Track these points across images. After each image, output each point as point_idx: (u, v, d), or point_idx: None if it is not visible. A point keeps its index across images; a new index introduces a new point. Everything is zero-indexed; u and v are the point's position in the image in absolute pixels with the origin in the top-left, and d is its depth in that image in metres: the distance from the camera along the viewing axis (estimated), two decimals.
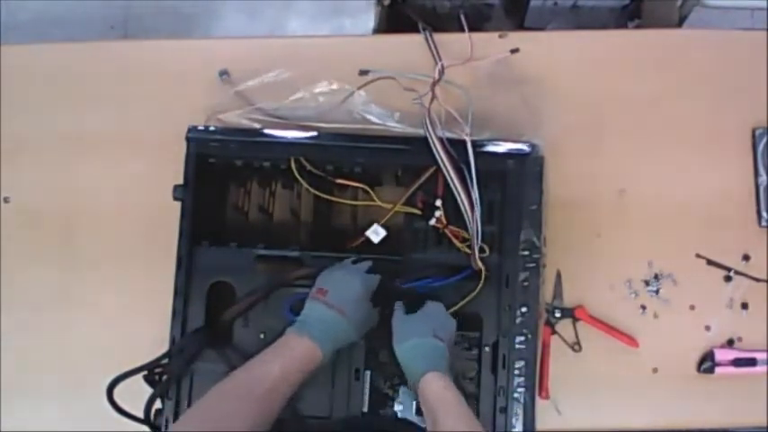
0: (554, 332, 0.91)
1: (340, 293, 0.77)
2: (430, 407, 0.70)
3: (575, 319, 0.91)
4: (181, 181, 0.85)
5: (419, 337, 0.75)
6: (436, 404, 0.70)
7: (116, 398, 0.74)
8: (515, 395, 0.81)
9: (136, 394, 0.76)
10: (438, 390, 0.71)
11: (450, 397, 0.71)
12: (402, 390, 0.81)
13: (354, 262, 0.82)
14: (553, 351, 0.91)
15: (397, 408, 0.81)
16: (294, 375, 0.71)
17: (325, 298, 0.76)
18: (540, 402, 0.88)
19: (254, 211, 0.93)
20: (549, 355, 0.90)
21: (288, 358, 0.72)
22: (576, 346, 0.91)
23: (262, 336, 0.84)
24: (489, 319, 0.83)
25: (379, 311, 0.81)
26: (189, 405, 0.81)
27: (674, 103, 0.97)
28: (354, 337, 0.77)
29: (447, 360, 0.75)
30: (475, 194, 0.82)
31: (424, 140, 0.83)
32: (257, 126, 0.94)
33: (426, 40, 0.97)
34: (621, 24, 1.49)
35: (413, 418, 0.79)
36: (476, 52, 0.96)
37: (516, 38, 0.98)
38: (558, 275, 0.92)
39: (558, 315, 0.91)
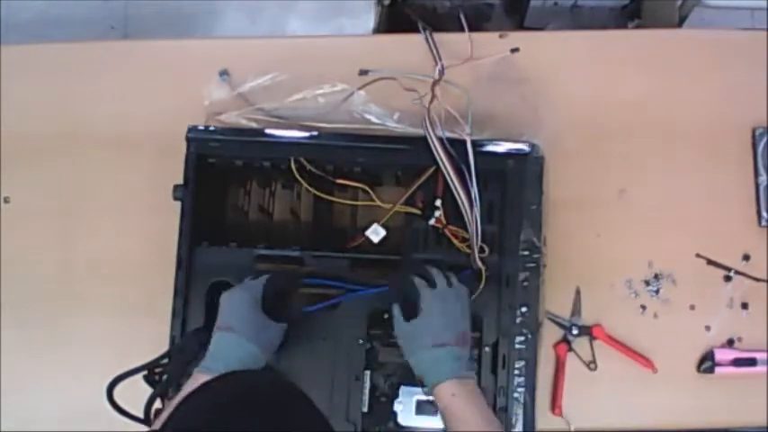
0: (570, 349, 0.91)
1: (226, 312, 0.75)
2: (444, 418, 0.70)
3: (592, 338, 0.91)
4: (181, 181, 0.85)
5: (422, 350, 0.73)
6: (446, 415, 0.69)
7: (116, 398, 0.74)
8: (515, 395, 0.81)
9: (136, 394, 0.76)
10: (446, 401, 0.69)
11: (457, 407, 0.69)
12: (402, 389, 0.81)
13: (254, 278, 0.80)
14: (568, 369, 0.91)
15: (397, 408, 0.80)
16: None
17: (217, 325, 0.75)
18: (552, 418, 0.89)
19: (254, 211, 0.93)
20: (563, 372, 0.90)
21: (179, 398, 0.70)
22: (591, 365, 0.91)
23: None
24: (489, 319, 0.83)
25: (286, 327, 0.78)
26: None
27: (673, 103, 0.97)
28: (254, 350, 0.73)
29: (458, 360, 0.72)
30: (475, 194, 0.82)
31: (423, 140, 0.83)
32: (257, 126, 0.94)
33: (426, 40, 0.97)
34: (621, 24, 1.49)
35: (413, 419, 0.79)
36: (476, 52, 0.96)
37: (516, 38, 0.98)
38: (578, 292, 0.92)
39: (575, 332, 0.90)
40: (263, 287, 0.78)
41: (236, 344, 0.73)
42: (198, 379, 0.71)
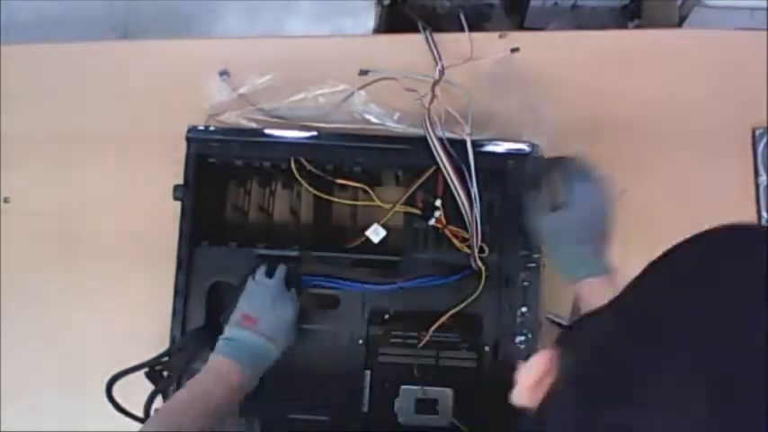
0: None
1: (271, 322, 0.76)
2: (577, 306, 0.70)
3: None
4: (181, 181, 0.85)
5: (567, 245, 0.73)
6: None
7: (117, 398, 0.74)
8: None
9: (136, 394, 0.76)
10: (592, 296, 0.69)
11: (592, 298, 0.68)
12: (402, 389, 0.81)
13: (268, 273, 0.80)
14: None
15: (397, 408, 0.80)
16: (229, 403, 0.70)
17: (255, 327, 0.75)
18: None
19: (254, 211, 0.93)
20: None
21: (227, 385, 0.70)
22: None
23: None
24: (489, 319, 0.83)
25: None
26: None
27: (673, 103, 0.96)
28: (277, 357, 0.76)
29: (601, 258, 0.72)
30: (475, 194, 0.82)
31: (423, 140, 0.83)
32: (257, 126, 0.94)
33: (426, 40, 0.97)
34: (621, 24, 1.49)
35: (413, 418, 0.79)
36: (476, 52, 0.96)
37: (516, 38, 0.98)
38: None
39: None
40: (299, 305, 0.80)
41: (273, 357, 0.75)
42: (228, 366, 0.72)
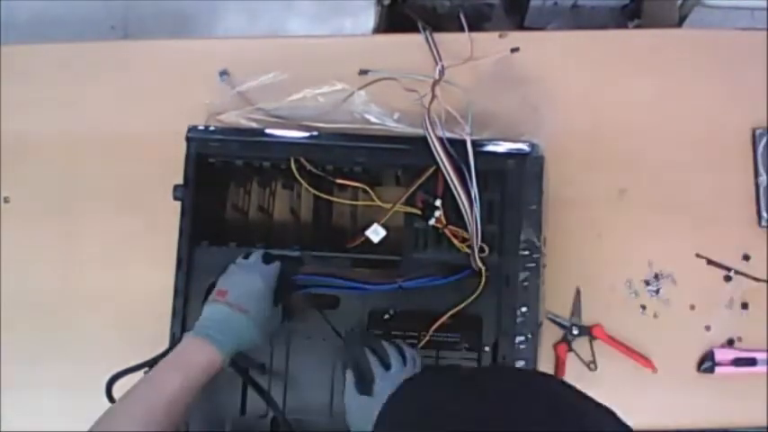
0: (570, 349, 0.91)
1: (241, 292, 0.75)
2: None
3: (592, 338, 0.91)
4: (181, 181, 0.85)
5: (364, 428, 0.68)
6: None
7: (117, 397, 0.74)
8: None
9: None
10: None
11: None
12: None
13: (246, 256, 0.81)
14: (568, 369, 0.91)
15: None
16: (195, 384, 0.68)
17: (225, 299, 0.74)
18: None
19: (254, 211, 0.93)
20: (563, 372, 0.90)
21: (187, 366, 0.69)
22: (591, 365, 0.91)
23: None
24: (489, 320, 0.83)
25: (282, 307, 0.79)
26: None
27: (674, 103, 0.97)
28: (257, 337, 0.74)
29: None
30: (475, 194, 0.82)
31: (423, 140, 0.83)
32: (257, 126, 0.94)
33: (426, 40, 0.97)
34: (621, 24, 1.49)
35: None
36: (476, 52, 0.96)
37: (516, 38, 0.98)
38: (578, 292, 0.92)
39: (575, 332, 0.91)
40: (276, 278, 0.78)
41: (246, 328, 0.73)
42: (189, 344, 0.71)
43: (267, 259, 0.81)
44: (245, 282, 0.76)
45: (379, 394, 0.71)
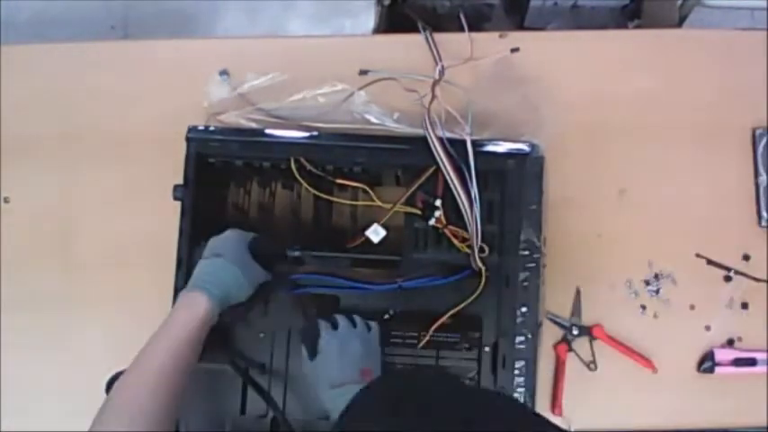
0: (570, 349, 0.91)
1: (216, 245, 0.79)
2: None
3: (592, 338, 0.91)
4: (181, 181, 0.85)
5: (322, 391, 0.73)
6: None
7: None
8: (515, 395, 0.80)
9: None
10: None
11: None
12: None
13: None
14: (568, 369, 0.91)
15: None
16: (186, 332, 0.71)
17: (204, 255, 0.79)
18: (552, 418, 0.89)
19: (254, 211, 0.93)
20: (563, 372, 0.90)
21: (174, 320, 0.72)
22: (591, 365, 0.91)
23: (261, 335, 0.84)
24: (489, 320, 0.83)
25: (268, 277, 0.81)
26: (187, 402, 0.81)
27: (674, 103, 0.97)
28: (243, 280, 0.76)
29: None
30: (475, 194, 0.82)
31: (423, 140, 0.83)
32: (257, 126, 0.94)
33: (426, 40, 0.97)
34: (621, 24, 1.49)
35: None
36: (476, 52, 0.96)
37: (516, 38, 0.98)
38: (578, 292, 0.92)
39: (575, 332, 0.91)
40: (252, 237, 0.81)
41: (225, 269, 0.76)
42: (188, 298, 0.74)
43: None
44: (219, 237, 0.81)
45: (324, 350, 0.75)
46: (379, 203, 0.87)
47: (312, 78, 0.95)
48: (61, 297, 0.96)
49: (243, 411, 0.83)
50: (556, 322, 0.92)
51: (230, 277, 0.76)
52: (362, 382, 0.72)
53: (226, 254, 0.77)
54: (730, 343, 0.91)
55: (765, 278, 0.92)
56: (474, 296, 0.82)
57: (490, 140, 0.86)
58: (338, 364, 0.74)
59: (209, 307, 0.73)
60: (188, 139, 0.86)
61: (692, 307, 0.92)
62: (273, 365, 0.84)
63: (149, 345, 0.71)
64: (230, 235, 0.81)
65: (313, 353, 0.76)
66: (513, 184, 0.84)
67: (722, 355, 0.90)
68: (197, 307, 0.72)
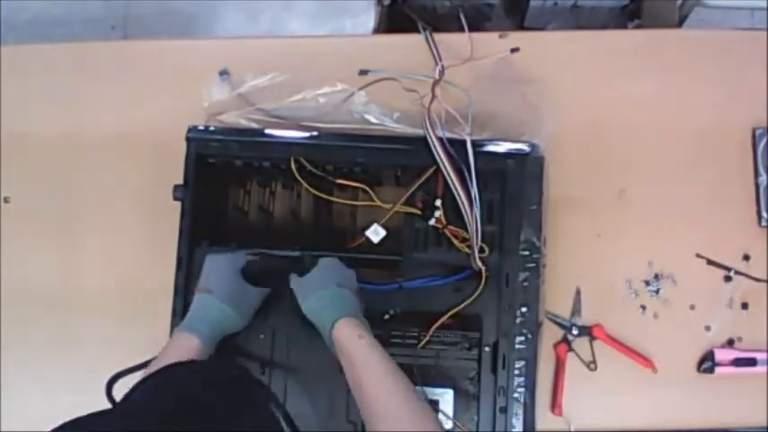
0: (570, 350, 0.91)
1: (207, 277, 0.78)
2: (346, 356, 0.69)
3: (592, 338, 0.91)
4: (181, 181, 0.85)
5: (323, 288, 0.75)
6: (352, 352, 0.69)
7: (117, 397, 0.74)
8: (515, 395, 0.80)
9: None
10: (352, 337, 0.70)
11: (367, 346, 0.69)
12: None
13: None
14: (568, 369, 0.91)
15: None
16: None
17: (198, 285, 0.78)
18: (552, 418, 0.89)
19: (254, 211, 0.93)
20: (563, 372, 0.90)
21: (165, 359, 0.70)
22: (591, 365, 0.91)
23: (261, 336, 0.84)
24: (489, 319, 0.83)
25: (268, 292, 0.81)
26: None
27: (673, 103, 0.97)
28: (234, 316, 0.76)
29: (357, 307, 0.75)
30: (475, 194, 0.82)
31: (423, 140, 0.83)
32: (257, 126, 0.94)
33: (426, 40, 0.97)
34: (621, 24, 1.49)
35: None
36: (476, 52, 0.96)
37: (516, 38, 0.98)
38: (578, 292, 0.92)
39: (575, 332, 0.91)
40: (246, 260, 0.80)
41: (215, 307, 0.76)
42: (179, 339, 0.74)
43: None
44: (210, 267, 0.79)
45: (318, 267, 0.78)
46: (379, 203, 0.87)
47: (312, 78, 0.95)
48: (61, 296, 0.96)
49: None
50: (556, 322, 0.92)
51: (221, 316, 0.76)
52: (349, 294, 0.75)
53: (217, 289, 0.76)
54: (730, 343, 0.91)
55: (765, 278, 0.92)
56: (474, 296, 0.82)
57: (490, 140, 0.86)
58: (332, 272, 0.77)
59: (202, 348, 0.73)
60: (188, 139, 0.86)
61: (692, 307, 0.92)
62: (274, 364, 0.84)
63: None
64: (222, 264, 0.79)
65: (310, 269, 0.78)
66: (513, 184, 0.84)
67: (722, 355, 0.90)
68: (189, 351, 0.72)
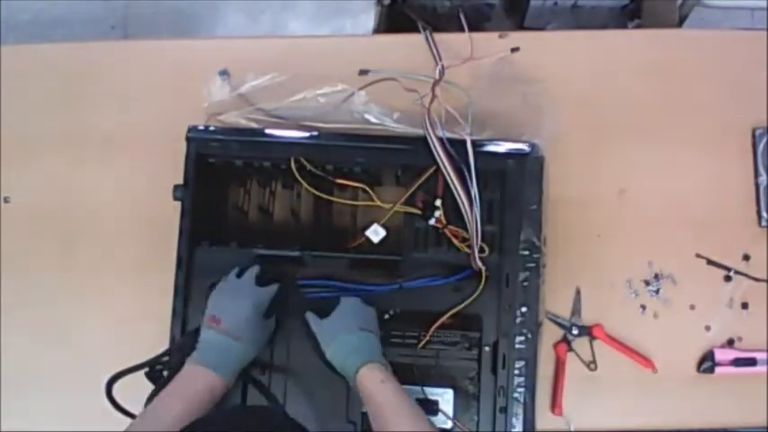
0: (570, 349, 0.91)
1: (232, 319, 0.76)
2: (371, 403, 0.70)
3: (592, 338, 0.91)
4: (181, 181, 0.85)
5: (345, 333, 0.76)
6: (377, 400, 0.70)
7: (117, 397, 0.74)
8: (515, 395, 0.81)
9: (136, 393, 0.76)
10: (376, 384, 0.71)
11: (391, 391, 0.70)
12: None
13: (240, 273, 0.81)
14: (568, 369, 0.91)
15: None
16: (198, 410, 0.70)
17: (219, 326, 0.75)
18: (552, 418, 0.89)
19: (254, 211, 0.93)
20: (563, 372, 0.90)
21: (191, 393, 0.71)
22: (591, 365, 0.91)
23: None
24: (489, 319, 0.83)
25: (277, 316, 0.81)
26: None
27: (674, 103, 0.97)
28: (253, 354, 0.77)
29: (379, 349, 0.76)
30: (475, 194, 0.82)
31: (423, 140, 0.83)
32: (257, 126, 0.94)
33: (426, 40, 0.97)
34: (621, 24, 1.49)
35: None
36: (476, 52, 0.96)
37: (516, 38, 0.98)
38: (578, 292, 0.92)
39: (575, 332, 0.91)
40: (270, 300, 0.79)
41: (242, 352, 0.76)
42: (191, 371, 0.72)
43: (263, 279, 0.80)
44: (237, 309, 0.77)
45: (339, 310, 0.79)
46: (379, 203, 0.87)
47: (312, 78, 0.95)
48: (61, 296, 0.96)
49: None
50: (556, 322, 0.92)
51: (248, 358, 0.77)
52: (372, 339, 0.77)
53: (246, 337, 0.76)
54: (730, 343, 0.91)
55: (765, 278, 0.92)
56: (474, 296, 0.82)
57: (490, 140, 0.86)
58: (354, 317, 0.78)
59: (225, 385, 0.73)
60: (188, 139, 0.86)
61: (692, 307, 0.92)
62: (273, 365, 0.84)
63: (160, 409, 0.70)
64: (249, 308, 0.77)
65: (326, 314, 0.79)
66: (513, 184, 0.84)
67: (722, 355, 0.90)
68: (213, 393, 0.72)
